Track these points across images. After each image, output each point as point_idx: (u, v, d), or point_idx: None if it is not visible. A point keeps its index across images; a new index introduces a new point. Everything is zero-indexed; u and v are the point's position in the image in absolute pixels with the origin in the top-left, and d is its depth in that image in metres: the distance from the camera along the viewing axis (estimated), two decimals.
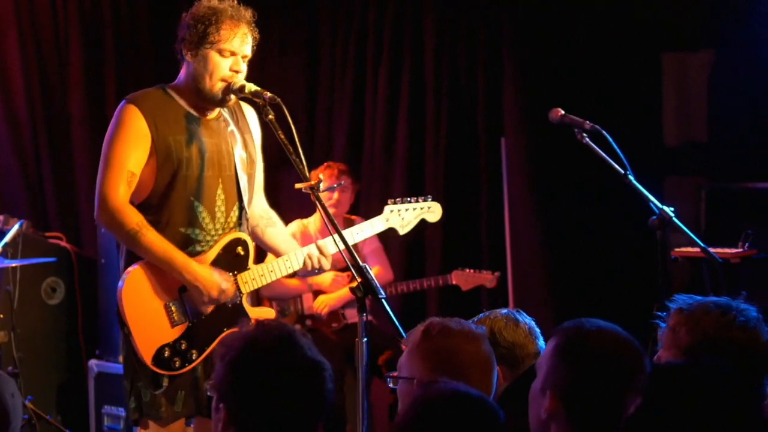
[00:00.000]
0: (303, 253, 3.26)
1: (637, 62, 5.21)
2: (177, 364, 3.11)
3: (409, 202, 3.49)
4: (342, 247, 2.80)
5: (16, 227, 4.67)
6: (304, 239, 5.10)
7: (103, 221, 3.11)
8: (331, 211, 3.00)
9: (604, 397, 1.96)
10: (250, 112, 3.35)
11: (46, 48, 5.56)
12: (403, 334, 2.67)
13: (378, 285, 2.70)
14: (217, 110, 3.24)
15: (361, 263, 2.71)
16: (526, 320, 2.68)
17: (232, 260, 3.21)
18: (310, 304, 5.04)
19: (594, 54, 5.18)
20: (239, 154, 3.24)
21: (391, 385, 2.39)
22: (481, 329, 2.34)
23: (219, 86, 3.13)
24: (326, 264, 3.27)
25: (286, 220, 5.21)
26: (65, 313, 5.18)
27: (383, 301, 2.67)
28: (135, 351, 3.10)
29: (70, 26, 5.57)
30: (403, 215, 3.47)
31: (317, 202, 2.85)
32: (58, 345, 5.18)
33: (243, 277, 3.22)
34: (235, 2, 3.19)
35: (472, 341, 2.28)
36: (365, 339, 2.64)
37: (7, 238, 4.56)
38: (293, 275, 3.35)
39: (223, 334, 3.15)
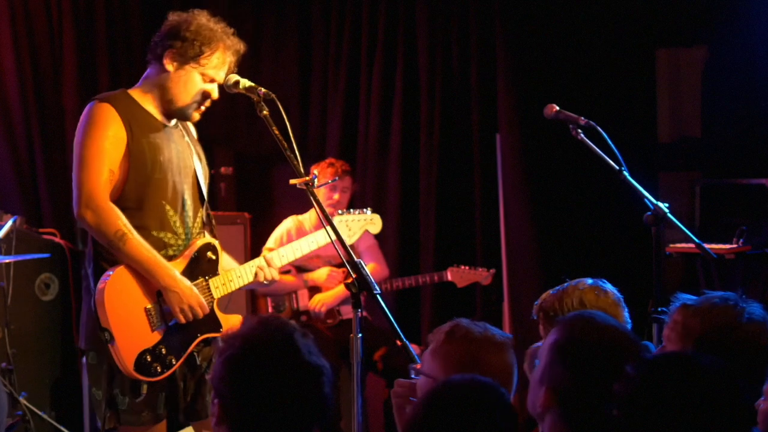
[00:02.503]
0: (255, 265, 3.31)
1: (631, 58, 5.22)
2: (158, 370, 3.07)
3: (355, 213, 3.73)
4: (339, 245, 2.80)
5: (9, 223, 4.65)
6: (300, 235, 5.09)
7: (89, 220, 3.03)
8: (328, 210, 3.04)
9: (600, 396, 1.94)
10: (193, 128, 3.41)
11: (40, 43, 5.55)
12: (398, 330, 2.67)
13: (373, 281, 2.70)
14: (175, 119, 3.27)
15: (356, 259, 2.71)
16: (613, 290, 2.68)
17: (204, 265, 3.21)
18: (305, 300, 5.04)
19: (588, 50, 5.18)
20: (196, 161, 3.30)
21: (413, 375, 2.38)
22: (506, 337, 2.29)
23: (191, 106, 3.19)
24: (276, 275, 3.34)
25: (282, 216, 5.23)
26: (59, 309, 5.16)
27: (378, 297, 2.67)
28: (115, 357, 3.01)
29: (63, 21, 5.56)
30: (350, 225, 3.68)
31: (312, 198, 2.85)
32: (52, 341, 5.16)
33: (214, 281, 3.22)
34: (232, 31, 3.23)
35: (494, 350, 2.24)
36: (360, 335, 2.64)
37: (1, 234, 4.55)
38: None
39: (198, 340, 3.15)
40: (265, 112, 2.99)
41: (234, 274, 3.26)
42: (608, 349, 2.00)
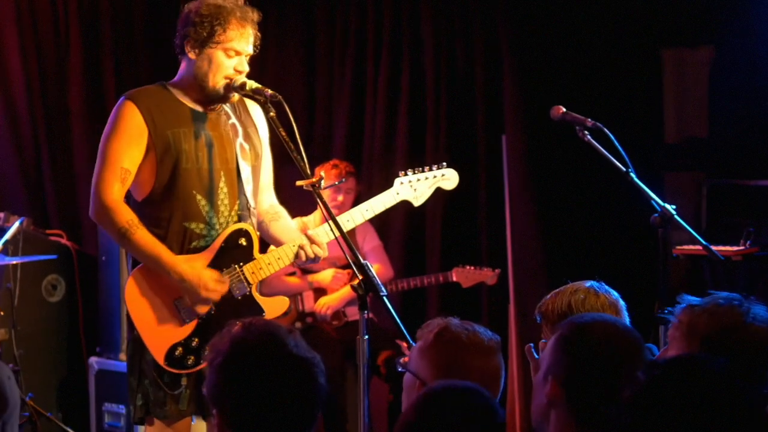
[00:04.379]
0: (296, 246, 3.22)
1: (637, 59, 5.21)
2: (191, 362, 3.10)
3: (422, 171, 3.40)
4: (345, 246, 2.79)
5: (16, 225, 4.67)
6: None
7: (96, 218, 3.11)
8: (333, 212, 2.97)
9: (603, 384, 1.97)
10: (255, 109, 3.34)
11: (46, 43, 5.56)
12: (405, 331, 2.66)
13: (379, 282, 2.69)
14: (215, 104, 3.23)
15: (362, 260, 2.71)
16: (613, 293, 2.66)
17: (235, 252, 3.18)
18: (310, 301, 5.04)
19: (594, 51, 5.18)
20: (240, 144, 3.23)
21: (399, 369, 2.38)
22: (493, 340, 2.29)
23: (222, 83, 3.14)
24: (321, 252, 3.22)
25: None
26: (66, 311, 5.17)
27: (384, 298, 2.66)
28: (148, 351, 3.10)
29: (69, 21, 5.57)
30: (415, 186, 3.38)
31: (318, 200, 2.85)
32: (59, 342, 5.17)
33: (249, 267, 3.18)
34: (242, 1, 3.19)
35: (481, 355, 2.24)
36: (366, 336, 2.64)
37: (8, 235, 4.56)
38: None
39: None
40: (272, 113, 2.99)
41: (273, 256, 3.19)
42: (613, 343, 2.01)
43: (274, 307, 3.21)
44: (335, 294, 5.00)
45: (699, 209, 5.04)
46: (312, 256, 3.22)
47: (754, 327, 2.21)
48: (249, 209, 3.26)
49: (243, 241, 3.19)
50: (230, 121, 3.24)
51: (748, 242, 4.53)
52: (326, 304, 4.99)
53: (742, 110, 5.14)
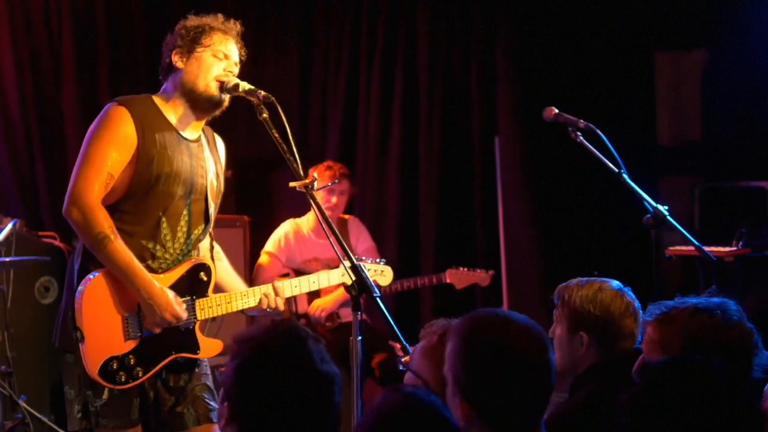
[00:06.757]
0: (261, 291, 3.25)
1: (631, 61, 5.23)
2: (122, 379, 3.03)
3: (367, 262, 3.65)
4: (338, 247, 2.80)
5: (9, 226, 4.65)
6: (297, 239, 5.10)
7: (74, 217, 3.00)
8: (327, 213, 2.98)
9: (511, 396, 1.91)
10: (221, 144, 3.36)
11: (39, 47, 5.55)
12: (398, 333, 2.67)
13: (373, 283, 2.69)
14: (198, 132, 3.21)
15: (356, 261, 2.71)
16: (633, 300, 2.66)
17: (193, 284, 3.16)
18: (304, 304, 5.03)
19: (588, 53, 5.19)
20: (211, 180, 3.23)
21: (401, 368, 2.38)
22: None
23: (214, 85, 3.13)
24: (281, 305, 3.28)
25: (281, 220, 5.24)
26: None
27: (378, 299, 2.66)
28: (83, 358, 3.00)
29: (63, 25, 5.57)
30: None
31: (312, 201, 2.85)
32: (52, 344, 5.15)
33: (201, 303, 3.16)
34: (222, 17, 3.21)
35: None
36: (360, 337, 2.64)
37: (1, 237, 4.55)
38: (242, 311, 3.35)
39: (171, 357, 3.10)
40: (264, 115, 2.98)
41: (224, 299, 3.20)
42: (501, 342, 1.95)
43: (209, 348, 3.19)
44: (329, 296, 5.00)
45: (692, 210, 5.07)
46: (273, 306, 3.26)
47: (727, 322, 2.23)
48: (209, 244, 3.27)
49: (203, 276, 3.19)
50: (205, 153, 3.23)
51: (741, 243, 4.55)
52: (320, 307, 4.99)
53: (734, 112, 5.16)
